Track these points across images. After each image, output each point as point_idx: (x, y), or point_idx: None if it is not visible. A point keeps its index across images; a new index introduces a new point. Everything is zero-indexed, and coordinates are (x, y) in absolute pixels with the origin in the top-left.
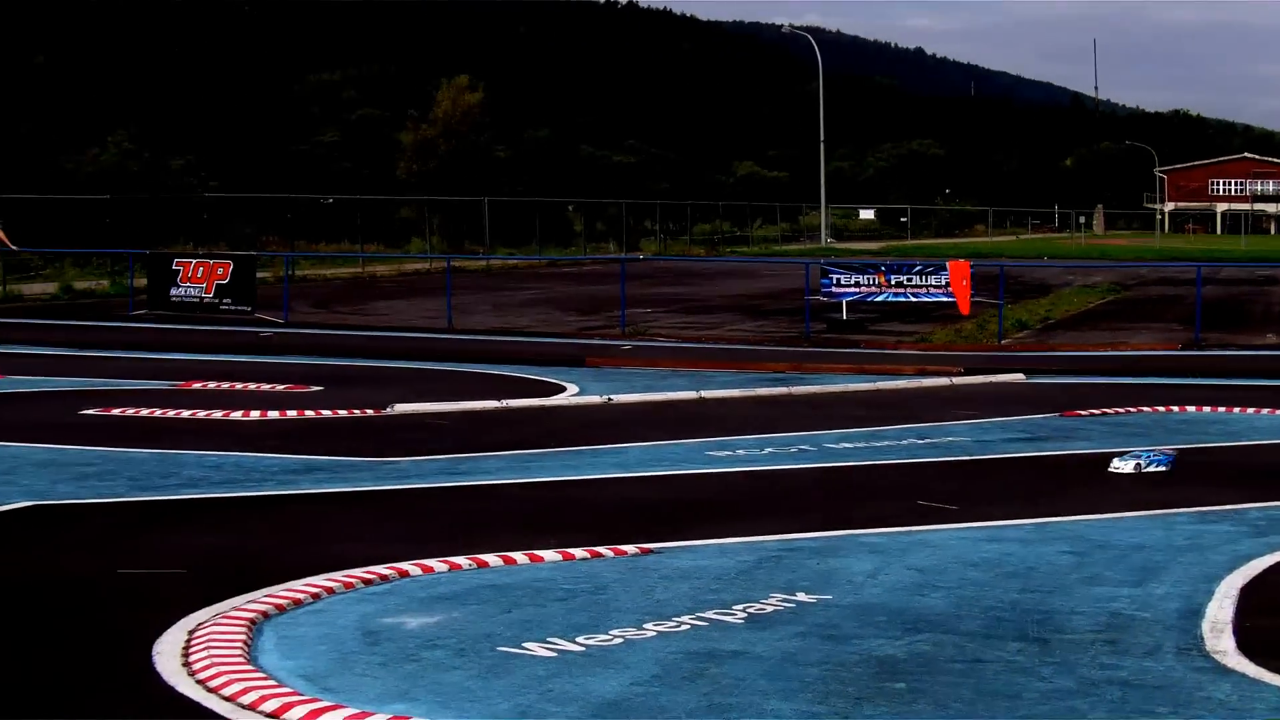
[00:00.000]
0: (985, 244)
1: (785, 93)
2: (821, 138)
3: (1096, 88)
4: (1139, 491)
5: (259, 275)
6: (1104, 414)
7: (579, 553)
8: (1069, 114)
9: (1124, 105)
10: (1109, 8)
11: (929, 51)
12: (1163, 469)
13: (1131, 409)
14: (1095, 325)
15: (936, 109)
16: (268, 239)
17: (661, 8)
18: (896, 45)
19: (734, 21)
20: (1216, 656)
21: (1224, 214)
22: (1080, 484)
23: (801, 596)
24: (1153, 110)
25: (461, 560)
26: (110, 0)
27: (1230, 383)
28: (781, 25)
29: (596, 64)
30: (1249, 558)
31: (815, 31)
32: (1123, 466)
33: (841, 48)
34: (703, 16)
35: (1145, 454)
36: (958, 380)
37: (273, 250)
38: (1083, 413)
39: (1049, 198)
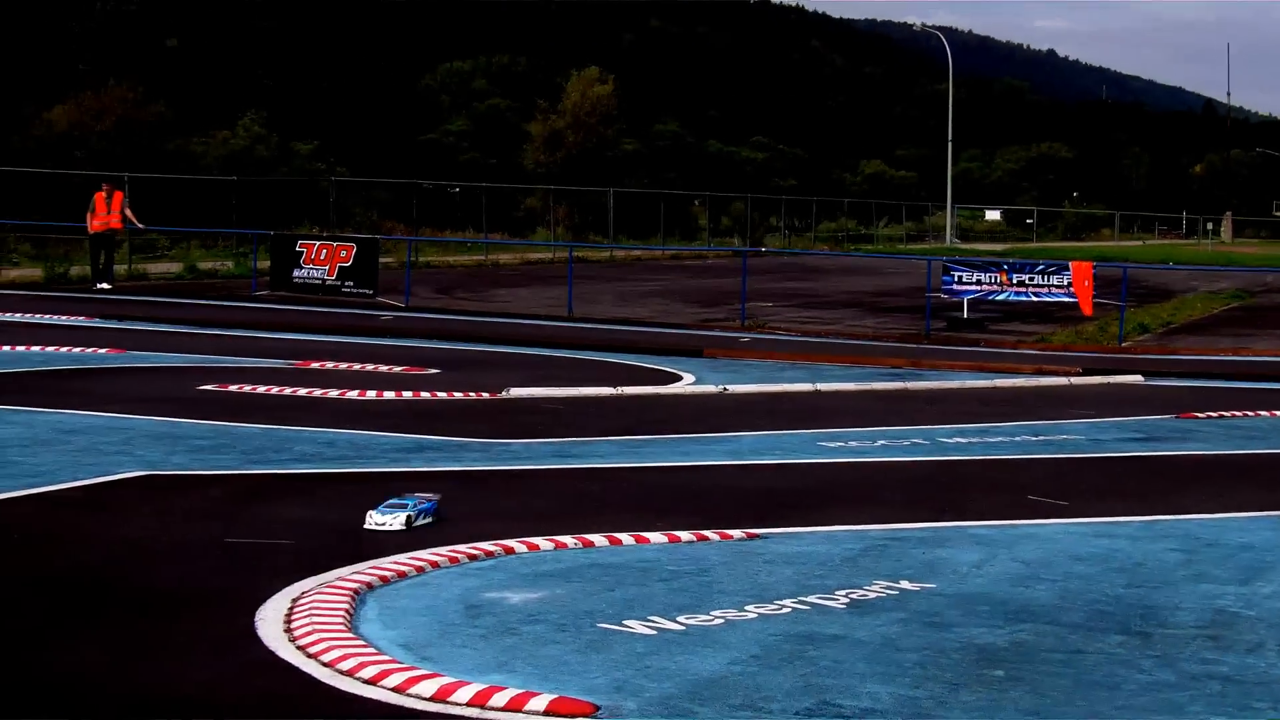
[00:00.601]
0: (1111, 248)
1: (915, 92)
2: (949, 137)
3: (1229, 93)
4: (1251, 492)
5: (382, 260)
6: (1221, 417)
7: (685, 535)
8: (1200, 120)
9: (1257, 112)
10: (1244, 10)
11: (1061, 53)
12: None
13: (1249, 413)
14: (1218, 331)
15: (1067, 112)
16: (392, 225)
17: (794, 4)
18: (1028, 46)
19: (866, 20)
20: None
21: None
22: (1193, 484)
23: (905, 584)
24: None
25: (567, 539)
26: None
27: None
28: (913, 24)
29: (726, 59)
30: None
31: (947, 31)
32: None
33: (972, 48)
34: (834, 14)
35: (412, 503)
36: (1076, 380)
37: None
38: (1200, 415)
39: (1177, 203)
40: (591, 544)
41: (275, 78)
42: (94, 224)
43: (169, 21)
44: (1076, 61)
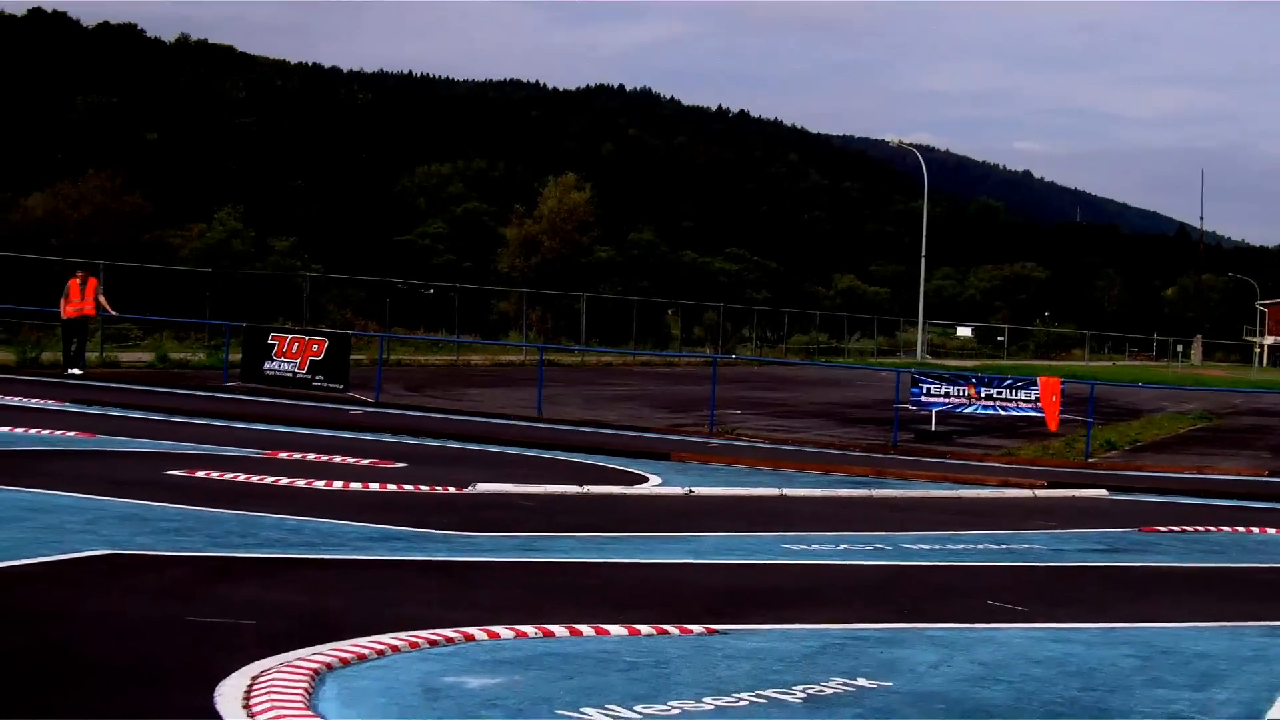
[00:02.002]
0: (1081, 368)
1: (891, 209)
2: (923, 254)
3: (1202, 219)
4: (1209, 603)
5: (354, 357)
6: (1183, 531)
7: (645, 628)
8: (1174, 243)
9: (1229, 238)
10: (1218, 140)
11: (1037, 174)
12: None
13: (1211, 528)
14: (1184, 449)
15: (1041, 232)
16: (366, 323)
17: (772, 118)
18: (1005, 167)
19: (843, 135)
20: None
21: None
22: (1151, 593)
23: (862, 682)
24: (1258, 244)
25: (528, 629)
26: (224, 83)
27: None
28: (890, 140)
29: (704, 170)
30: None
31: (924, 149)
32: None
33: (949, 167)
34: (812, 129)
35: None
36: (1040, 493)
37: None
38: (1162, 529)
39: (1149, 325)
40: (552, 634)
41: (253, 174)
42: (67, 310)
43: (149, 115)
44: (1052, 183)
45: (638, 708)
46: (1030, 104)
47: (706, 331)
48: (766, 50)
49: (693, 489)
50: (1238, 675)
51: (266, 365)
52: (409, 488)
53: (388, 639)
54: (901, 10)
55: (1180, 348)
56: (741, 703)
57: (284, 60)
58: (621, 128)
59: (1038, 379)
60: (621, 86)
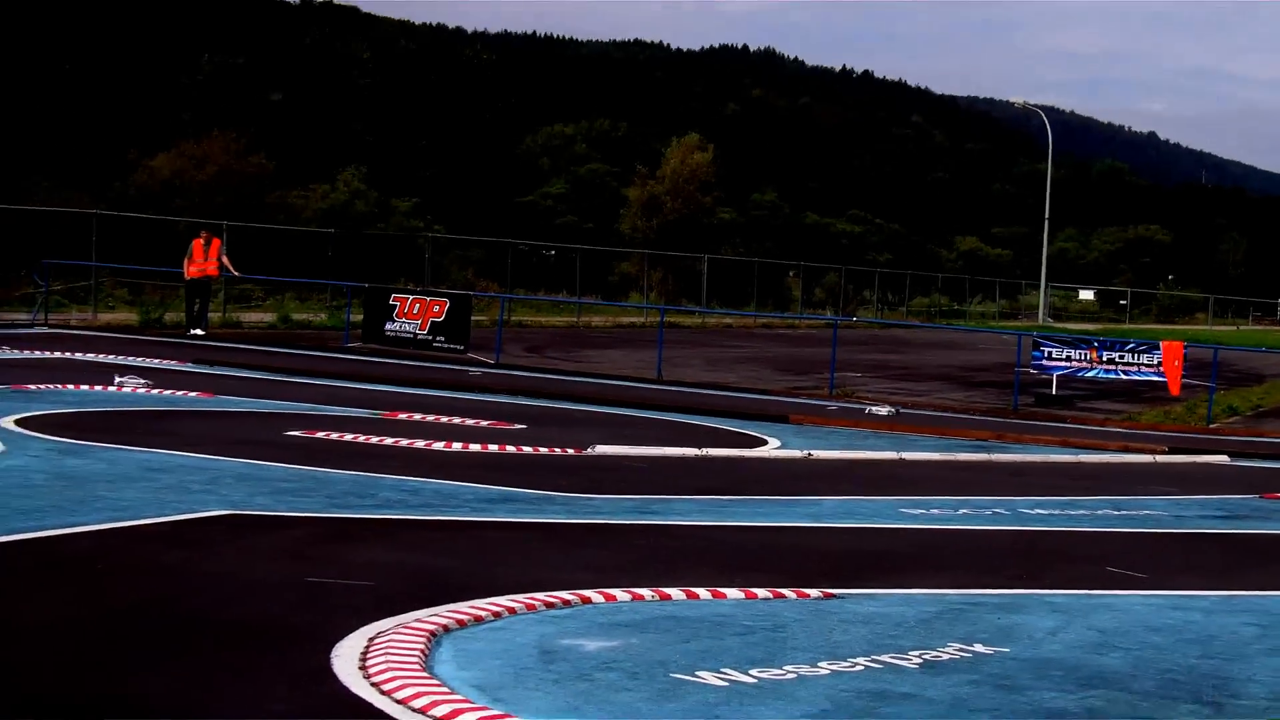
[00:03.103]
0: (1204, 332)
1: (1014, 170)
2: (1047, 216)
3: None
4: None
5: (475, 318)
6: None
7: (762, 593)
8: None
9: None
10: None
11: (1162, 136)
12: None
13: None
14: None
15: (1165, 195)
16: (487, 284)
17: (897, 79)
18: (1130, 129)
19: (968, 96)
20: None
21: None
22: (1272, 562)
23: (979, 648)
24: None
25: (645, 592)
26: (348, 44)
27: None
28: (1015, 102)
29: (827, 131)
30: None
31: (1049, 110)
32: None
33: (1074, 128)
34: (936, 90)
35: None
36: (1161, 458)
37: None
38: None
39: (1274, 289)
40: (668, 597)
41: (376, 134)
42: (191, 270)
43: (273, 76)
44: (1177, 145)
45: (753, 671)
46: (1157, 64)
47: (827, 294)
48: (894, 8)
49: (811, 452)
50: None
51: (388, 326)
52: (528, 449)
53: (504, 601)
54: None
55: None
56: (857, 667)
57: (408, 20)
58: (745, 88)
59: (1160, 343)
60: (745, 47)
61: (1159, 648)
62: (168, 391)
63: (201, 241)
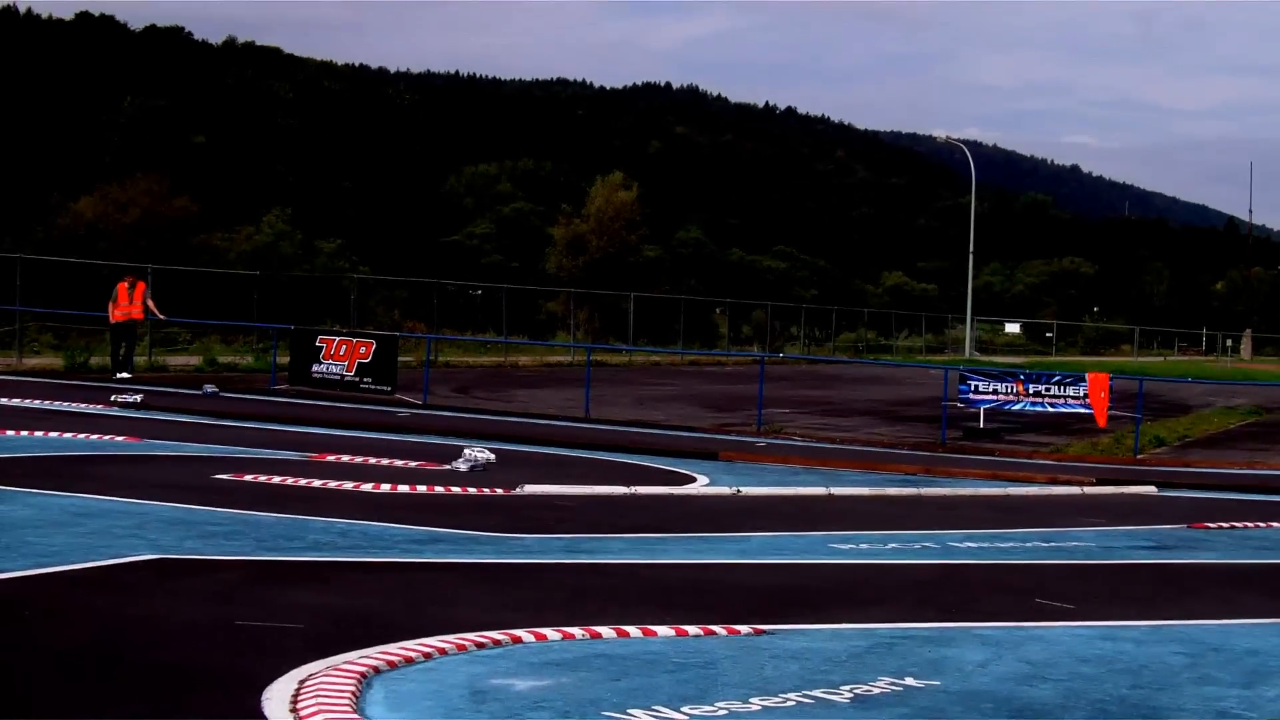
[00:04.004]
0: (1130, 363)
1: (938, 205)
2: (971, 250)
3: (1251, 211)
4: (1259, 600)
5: (401, 359)
6: (1232, 527)
7: (693, 630)
8: (1222, 237)
9: (1279, 230)
10: (1271, 130)
11: (1085, 169)
12: None
13: (1261, 524)
14: (1234, 445)
15: (1089, 227)
16: (413, 325)
17: (819, 114)
18: (1053, 161)
19: (891, 130)
20: None
21: None
22: (1201, 591)
23: (910, 681)
24: None
25: (576, 630)
26: (271, 85)
27: None
28: (938, 136)
29: (751, 167)
30: None
31: (971, 144)
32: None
33: (997, 162)
34: (859, 125)
35: None
36: (1089, 490)
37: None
38: (1211, 526)
39: (1198, 320)
40: (599, 635)
41: (300, 176)
42: (115, 314)
43: (196, 118)
44: (1101, 177)
45: (685, 709)
46: (1081, 97)
47: (754, 330)
48: (819, 44)
49: (740, 489)
50: None
51: (314, 368)
52: (456, 490)
53: (435, 641)
54: (958, 1)
55: (1230, 342)
56: (789, 703)
57: (330, 61)
58: (669, 125)
59: (1086, 375)
60: (668, 84)
61: (1089, 678)
62: (94, 436)
63: (126, 285)
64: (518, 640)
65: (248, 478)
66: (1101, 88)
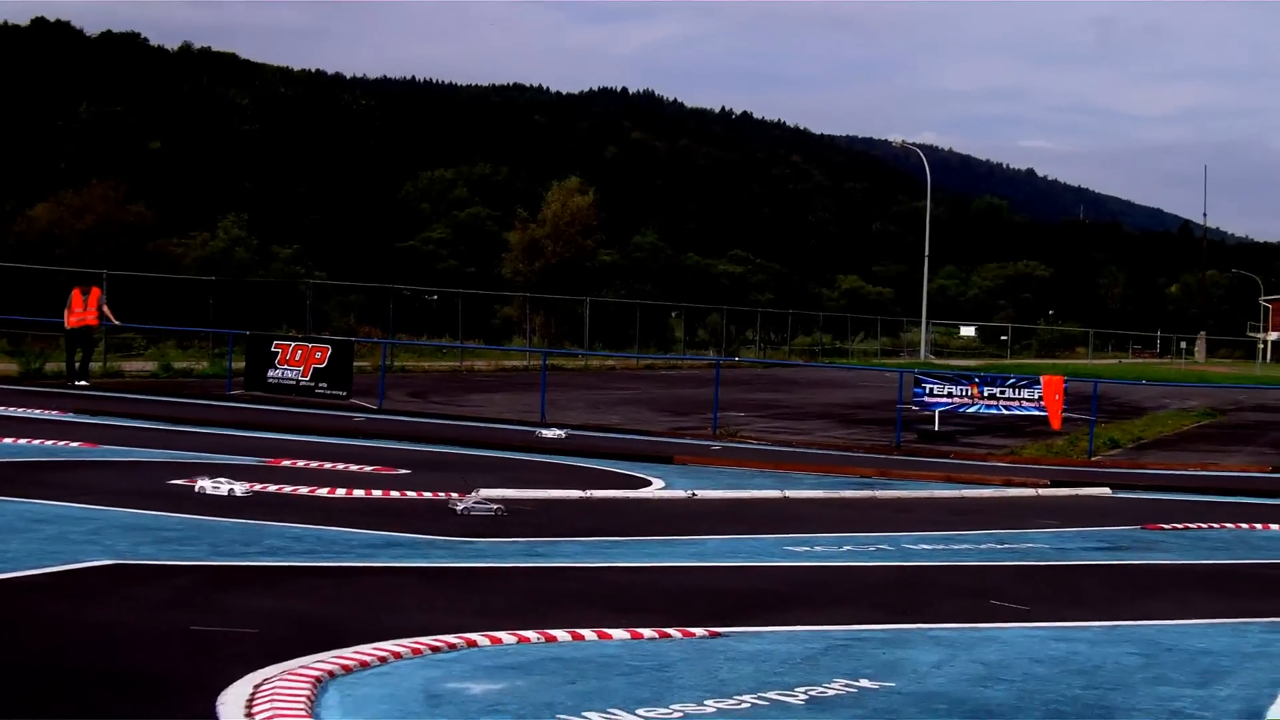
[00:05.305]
0: (1084, 366)
1: (894, 209)
2: (926, 253)
3: (1205, 215)
4: (1212, 600)
5: (357, 364)
6: (1186, 528)
7: (648, 632)
8: (1177, 240)
9: (1233, 234)
10: (1225, 135)
11: (1040, 173)
12: None
13: (1214, 525)
14: (1188, 446)
15: (1045, 231)
16: (369, 330)
17: (775, 119)
18: (1008, 166)
19: (847, 135)
20: None
21: None
22: (1154, 591)
23: (864, 683)
24: (1262, 240)
25: (530, 634)
26: (227, 91)
27: None
28: (894, 141)
29: (708, 172)
30: None
31: (927, 149)
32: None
33: (953, 166)
34: (816, 130)
35: None
36: (1043, 492)
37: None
38: (1165, 527)
39: (1152, 323)
40: (554, 639)
41: (256, 181)
42: (70, 320)
43: (152, 124)
44: (1056, 181)
45: (640, 711)
46: (1038, 102)
47: (710, 334)
48: (779, 49)
49: (695, 492)
50: (1240, 672)
51: (270, 373)
52: (411, 494)
53: (390, 645)
54: (918, 6)
55: (1184, 345)
56: (744, 705)
57: (287, 67)
58: (625, 131)
59: (1041, 378)
60: (625, 89)
61: (1043, 679)
62: (50, 442)
63: (81, 292)
64: (473, 644)
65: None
66: (1059, 93)
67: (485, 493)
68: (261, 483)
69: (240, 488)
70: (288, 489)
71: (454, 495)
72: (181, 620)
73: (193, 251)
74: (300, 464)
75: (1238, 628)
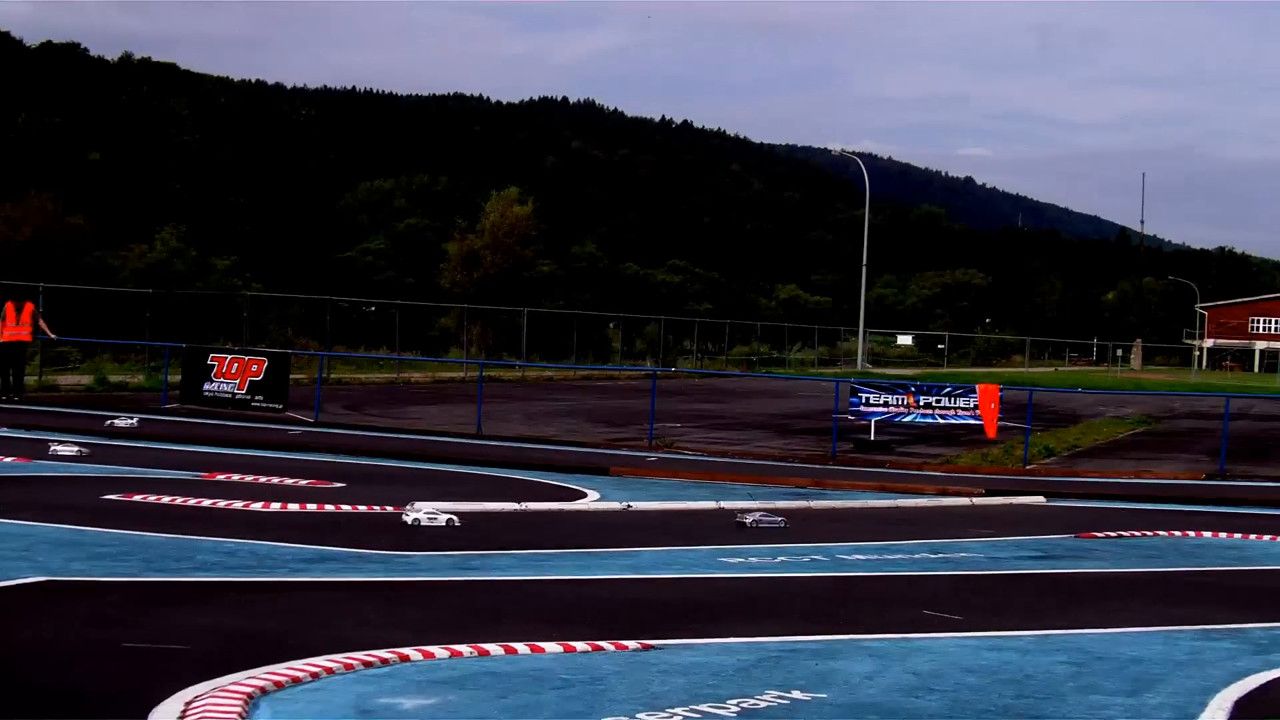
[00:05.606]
0: (1021, 374)
1: (832, 218)
2: (864, 262)
3: (1143, 222)
4: (1144, 608)
5: (294, 376)
6: (1119, 536)
7: (581, 645)
8: (1114, 248)
9: (1170, 241)
10: (1164, 143)
11: (979, 181)
12: None
13: (1147, 532)
14: (1123, 454)
15: (982, 239)
16: (306, 341)
17: (715, 128)
18: (947, 174)
19: (786, 145)
20: None
21: (1263, 352)
22: (1087, 600)
23: (797, 694)
24: (1199, 247)
25: (463, 648)
26: (167, 102)
27: (1250, 512)
28: (832, 149)
29: (647, 182)
30: (1247, 673)
31: (866, 157)
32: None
33: (892, 175)
34: (755, 139)
35: None
36: (978, 500)
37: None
38: (1099, 535)
39: (1089, 330)
40: (487, 653)
41: (195, 192)
42: (4, 335)
43: (92, 134)
44: (994, 189)
45: None
46: (978, 109)
47: (648, 344)
48: (721, 57)
49: (631, 504)
50: (1171, 680)
51: (206, 386)
52: (347, 508)
53: (322, 661)
54: (859, 14)
55: (1120, 352)
56: (675, 718)
57: (227, 77)
58: (565, 140)
59: (976, 386)
60: (565, 99)
61: (975, 689)
62: None
63: (14, 306)
64: (405, 659)
65: (137, 498)
66: (999, 100)
67: (425, 505)
68: (197, 497)
69: (453, 517)
70: (222, 503)
71: (410, 507)
72: (113, 637)
73: (131, 263)
74: (236, 478)
75: (1169, 636)
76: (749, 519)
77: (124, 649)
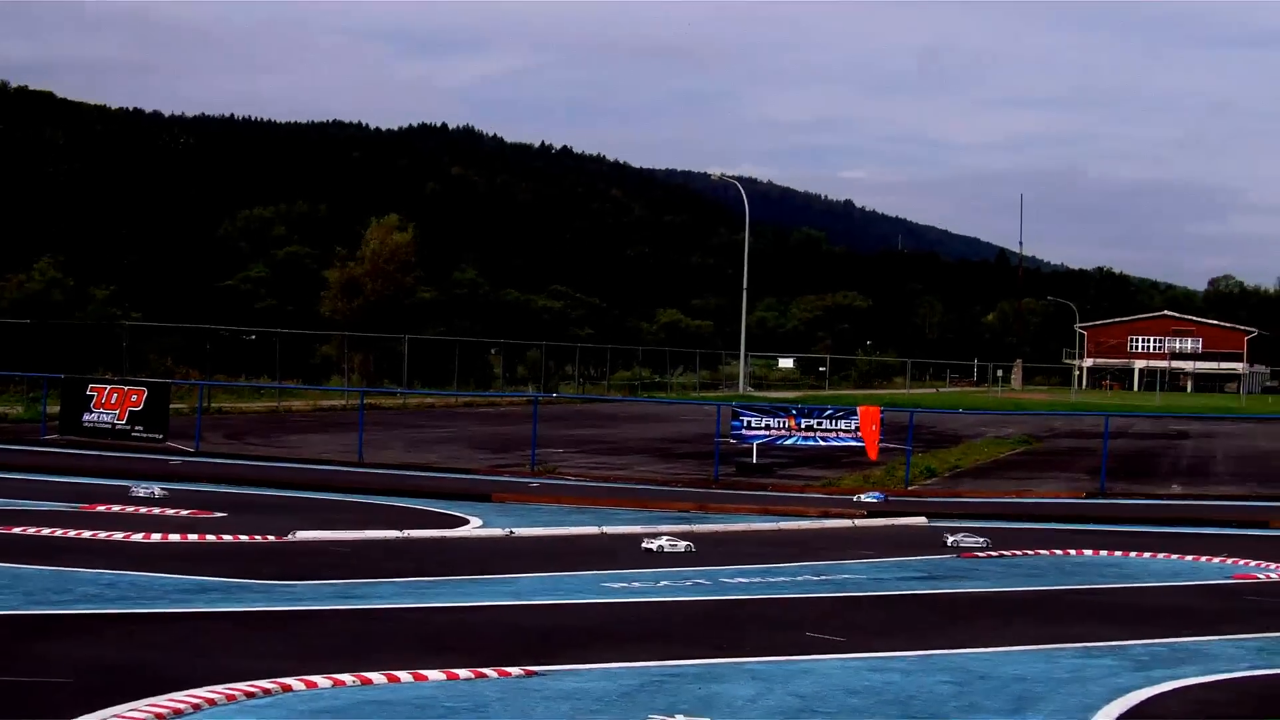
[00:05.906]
0: (902, 396)
1: (713, 242)
2: (744, 286)
3: (1021, 243)
4: (1026, 627)
5: (174, 406)
6: (1001, 556)
7: (464, 673)
8: (994, 269)
9: (1049, 262)
10: (1045, 162)
11: (859, 204)
12: None
13: (1029, 551)
14: (1004, 474)
15: (862, 262)
16: (187, 371)
17: (595, 154)
18: (826, 197)
19: (666, 170)
20: None
21: (1141, 371)
22: (969, 619)
23: (680, 718)
24: (1078, 267)
25: (346, 677)
26: (41, 130)
27: (1130, 529)
28: (712, 174)
29: (527, 207)
30: (1128, 690)
31: (746, 181)
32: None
33: (772, 199)
34: (635, 164)
35: None
36: (860, 522)
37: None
38: (980, 555)
39: (969, 351)
40: (370, 681)
41: (73, 222)
42: None
43: None
44: (874, 212)
45: None
46: (863, 131)
47: (529, 370)
48: (607, 80)
49: (513, 530)
50: (1053, 697)
51: (85, 417)
52: (228, 538)
53: (204, 692)
54: (745, 38)
55: (1000, 372)
56: None
57: (105, 105)
58: (445, 166)
59: (857, 409)
60: (444, 125)
61: (858, 710)
62: None
63: None
64: (288, 689)
65: (16, 530)
66: (883, 123)
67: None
68: (76, 529)
69: (690, 544)
70: (102, 535)
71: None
72: None
73: (8, 294)
74: (116, 509)
75: (1051, 654)
76: (654, 544)
77: (3, 683)
